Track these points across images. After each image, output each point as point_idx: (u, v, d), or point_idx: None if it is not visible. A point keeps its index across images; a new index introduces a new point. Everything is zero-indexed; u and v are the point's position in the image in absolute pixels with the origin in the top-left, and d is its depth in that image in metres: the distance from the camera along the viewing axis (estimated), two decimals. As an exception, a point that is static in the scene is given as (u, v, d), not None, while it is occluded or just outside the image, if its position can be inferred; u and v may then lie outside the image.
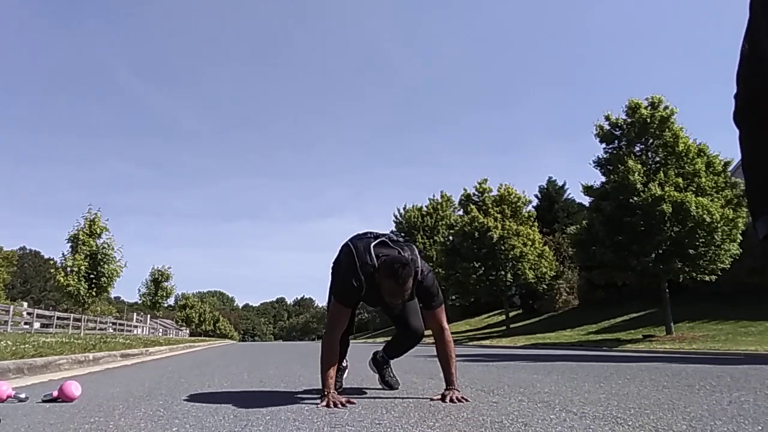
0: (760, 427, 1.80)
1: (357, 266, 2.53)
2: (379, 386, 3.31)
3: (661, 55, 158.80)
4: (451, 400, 2.45)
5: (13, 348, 5.34)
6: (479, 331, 28.73)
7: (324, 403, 2.36)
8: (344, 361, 3.17)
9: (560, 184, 38.26)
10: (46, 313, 22.43)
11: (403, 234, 40.00)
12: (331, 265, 2.99)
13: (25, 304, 32.93)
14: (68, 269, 16.56)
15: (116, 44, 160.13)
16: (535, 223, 25.74)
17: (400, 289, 2.40)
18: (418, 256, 2.69)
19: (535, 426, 1.85)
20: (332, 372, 2.56)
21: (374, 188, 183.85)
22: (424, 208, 41.43)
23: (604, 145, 15.83)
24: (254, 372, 4.91)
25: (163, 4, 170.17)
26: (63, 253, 17.05)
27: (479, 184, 26.60)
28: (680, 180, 13.87)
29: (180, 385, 3.63)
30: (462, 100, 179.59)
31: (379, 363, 3.23)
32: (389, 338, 3.41)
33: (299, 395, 2.95)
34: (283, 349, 13.87)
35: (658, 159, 14.87)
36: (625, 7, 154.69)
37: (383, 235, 2.80)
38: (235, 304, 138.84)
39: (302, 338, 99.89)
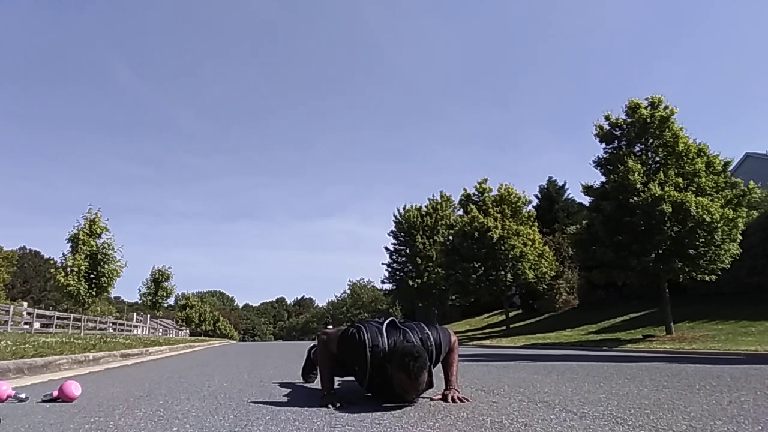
0: (760, 427, 1.80)
1: (366, 348, 2.35)
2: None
3: (661, 55, 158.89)
4: (452, 400, 2.45)
5: (13, 348, 5.34)
6: (479, 331, 28.73)
7: (324, 403, 2.36)
8: None
9: (560, 184, 38.29)
10: (46, 313, 22.39)
11: (402, 234, 40.05)
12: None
13: (25, 304, 32.88)
14: (68, 269, 16.55)
15: (116, 42, 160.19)
16: (535, 223, 25.74)
17: (414, 383, 2.21)
18: (427, 330, 2.53)
19: (535, 426, 1.85)
20: (332, 374, 2.56)
21: (374, 188, 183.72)
22: (424, 208, 41.39)
23: (604, 145, 15.83)
24: (254, 372, 4.91)
25: (164, 4, 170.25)
26: (63, 253, 17.06)
27: (479, 184, 26.62)
28: (680, 180, 13.86)
29: (180, 385, 3.63)
30: (462, 99, 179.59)
31: None
32: None
33: (299, 395, 2.95)
34: (283, 349, 13.87)
35: (658, 159, 14.86)
36: (625, 6, 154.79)
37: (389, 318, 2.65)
38: (235, 304, 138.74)
39: (302, 338, 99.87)
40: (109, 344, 8.27)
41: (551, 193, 37.52)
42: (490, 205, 25.19)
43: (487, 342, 20.16)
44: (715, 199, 13.52)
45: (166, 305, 32.14)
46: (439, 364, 2.68)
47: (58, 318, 21.73)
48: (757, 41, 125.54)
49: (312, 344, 3.58)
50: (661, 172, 14.25)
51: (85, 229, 17.06)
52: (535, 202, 33.06)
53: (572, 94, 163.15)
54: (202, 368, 5.65)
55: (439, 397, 2.54)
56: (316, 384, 3.31)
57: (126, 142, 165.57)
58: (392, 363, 2.24)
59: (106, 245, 17.38)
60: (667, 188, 13.54)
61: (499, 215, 24.49)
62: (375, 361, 2.33)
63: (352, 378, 3.82)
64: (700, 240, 13.30)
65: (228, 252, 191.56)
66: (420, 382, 2.21)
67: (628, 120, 15.15)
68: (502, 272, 23.78)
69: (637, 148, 15.27)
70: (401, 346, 2.30)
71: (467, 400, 2.49)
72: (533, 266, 24.03)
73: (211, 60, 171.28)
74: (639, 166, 14.33)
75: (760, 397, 2.62)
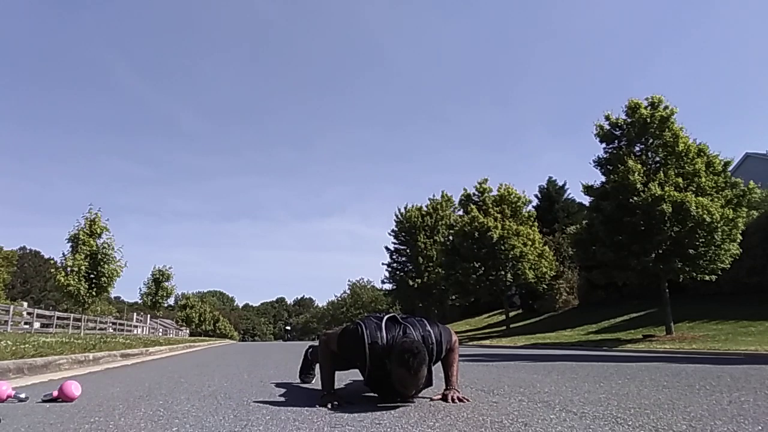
0: (760, 427, 1.80)
1: (365, 343, 2.36)
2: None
3: (661, 55, 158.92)
4: (452, 400, 2.45)
5: (13, 348, 5.34)
6: (479, 331, 28.73)
7: (323, 403, 2.36)
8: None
9: (560, 184, 38.31)
10: (46, 313, 22.42)
11: (403, 233, 40.04)
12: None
13: (25, 304, 32.87)
14: (68, 269, 16.52)
15: (116, 42, 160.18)
16: (535, 223, 25.75)
17: (413, 379, 2.24)
18: (429, 327, 2.53)
19: (535, 426, 1.85)
20: (332, 374, 2.56)
21: (374, 187, 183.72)
22: (425, 208, 41.40)
23: (604, 145, 15.83)
24: (254, 372, 4.91)
25: (164, 4, 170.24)
26: (63, 253, 16.99)
27: (479, 184, 26.62)
28: (680, 180, 13.86)
29: (180, 385, 3.63)
30: (462, 99, 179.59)
31: None
32: None
33: (299, 395, 2.95)
34: (283, 349, 13.87)
35: (658, 159, 14.86)
36: (625, 6, 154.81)
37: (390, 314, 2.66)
38: (235, 304, 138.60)
39: (302, 338, 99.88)
40: (109, 344, 8.27)
41: (551, 193, 37.52)
42: (490, 205, 25.19)
43: (487, 342, 20.16)
44: (715, 199, 13.52)
45: (166, 305, 32.10)
46: (440, 364, 2.69)
47: (58, 318, 21.75)
48: (757, 41, 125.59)
49: (309, 345, 3.61)
50: (661, 172, 14.25)
51: (85, 229, 17.02)
52: (535, 202, 33.08)
53: (572, 94, 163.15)
54: (202, 368, 5.65)
55: (439, 397, 2.54)
56: (316, 384, 3.31)
57: (126, 142, 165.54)
58: (392, 358, 2.25)
59: (106, 245, 17.34)
60: (667, 188, 13.54)
61: (499, 215, 24.49)
62: (374, 357, 2.35)
63: (352, 379, 3.84)
64: (700, 240, 13.30)
65: (228, 252, 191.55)
66: (419, 377, 2.23)
67: (628, 120, 15.16)
68: (502, 272, 23.78)
69: (637, 148, 15.27)
70: (401, 341, 2.30)
71: (467, 400, 2.49)
72: (533, 266, 24.03)
73: (211, 60, 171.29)
74: (639, 166, 14.33)
75: (760, 397, 2.62)
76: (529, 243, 24.08)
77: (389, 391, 2.41)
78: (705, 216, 12.90)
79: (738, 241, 13.68)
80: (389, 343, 2.34)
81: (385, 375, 2.33)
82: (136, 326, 34.95)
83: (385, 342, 2.35)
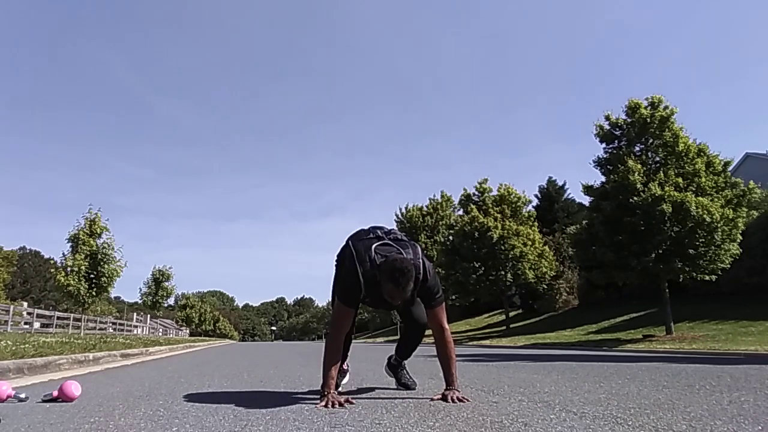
0: (760, 427, 1.80)
1: (358, 269, 2.56)
2: (378, 386, 3.32)
3: (661, 55, 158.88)
4: (452, 400, 2.45)
5: (13, 348, 5.34)
6: (479, 331, 28.72)
7: (324, 403, 2.36)
8: (345, 364, 3.17)
9: (560, 184, 38.28)
10: (46, 313, 22.42)
11: (404, 233, 39.98)
12: (335, 261, 2.99)
13: (25, 304, 32.85)
14: (68, 269, 16.52)
15: (116, 42, 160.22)
16: (535, 223, 25.73)
17: (400, 292, 2.44)
18: (421, 254, 2.68)
19: (535, 426, 1.85)
20: (334, 372, 2.56)
21: (374, 188, 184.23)
22: (425, 208, 41.39)
23: (604, 145, 15.83)
24: (254, 372, 4.91)
25: (163, 4, 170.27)
26: (63, 253, 17.00)
27: (479, 184, 26.61)
28: (680, 180, 13.85)
29: (180, 385, 3.63)
30: (462, 99, 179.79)
31: (394, 366, 3.28)
32: (391, 338, 3.52)
33: (299, 395, 2.95)
34: (283, 349, 13.86)
35: (658, 159, 14.86)
36: (625, 7, 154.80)
37: (386, 233, 2.84)
38: (235, 304, 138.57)
39: (302, 338, 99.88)
40: (109, 344, 8.26)
41: (551, 193, 37.50)
42: (490, 205, 25.18)
43: (487, 342, 20.15)
44: (715, 199, 13.52)
45: (166, 305, 32.08)
46: (438, 363, 2.69)
47: (58, 318, 21.76)
48: (757, 41, 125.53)
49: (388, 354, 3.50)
50: (661, 172, 14.25)
51: (85, 229, 17.02)
52: (535, 202, 33.04)
53: (572, 94, 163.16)
54: (202, 368, 5.65)
55: (439, 397, 2.55)
56: (316, 384, 3.30)
57: (126, 142, 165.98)
58: (382, 272, 2.48)
59: (106, 245, 17.34)
60: (667, 188, 13.54)
61: (499, 215, 24.48)
62: (368, 281, 2.56)
63: (352, 378, 3.83)
64: (700, 240, 13.30)
65: (228, 252, 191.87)
66: (407, 291, 2.46)
67: (628, 120, 15.16)
68: (502, 272, 23.76)
69: (637, 148, 15.27)
70: (392, 258, 2.50)
71: (467, 400, 2.49)
72: (533, 266, 24.02)
73: (212, 61, 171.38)
74: (639, 166, 14.33)
75: (760, 397, 2.62)
76: (529, 243, 24.07)
77: (379, 304, 2.72)
78: (705, 216, 12.89)
79: (738, 241, 13.68)
80: (380, 259, 2.56)
81: (376, 291, 2.55)
82: (136, 326, 34.94)
83: (375, 264, 2.56)
